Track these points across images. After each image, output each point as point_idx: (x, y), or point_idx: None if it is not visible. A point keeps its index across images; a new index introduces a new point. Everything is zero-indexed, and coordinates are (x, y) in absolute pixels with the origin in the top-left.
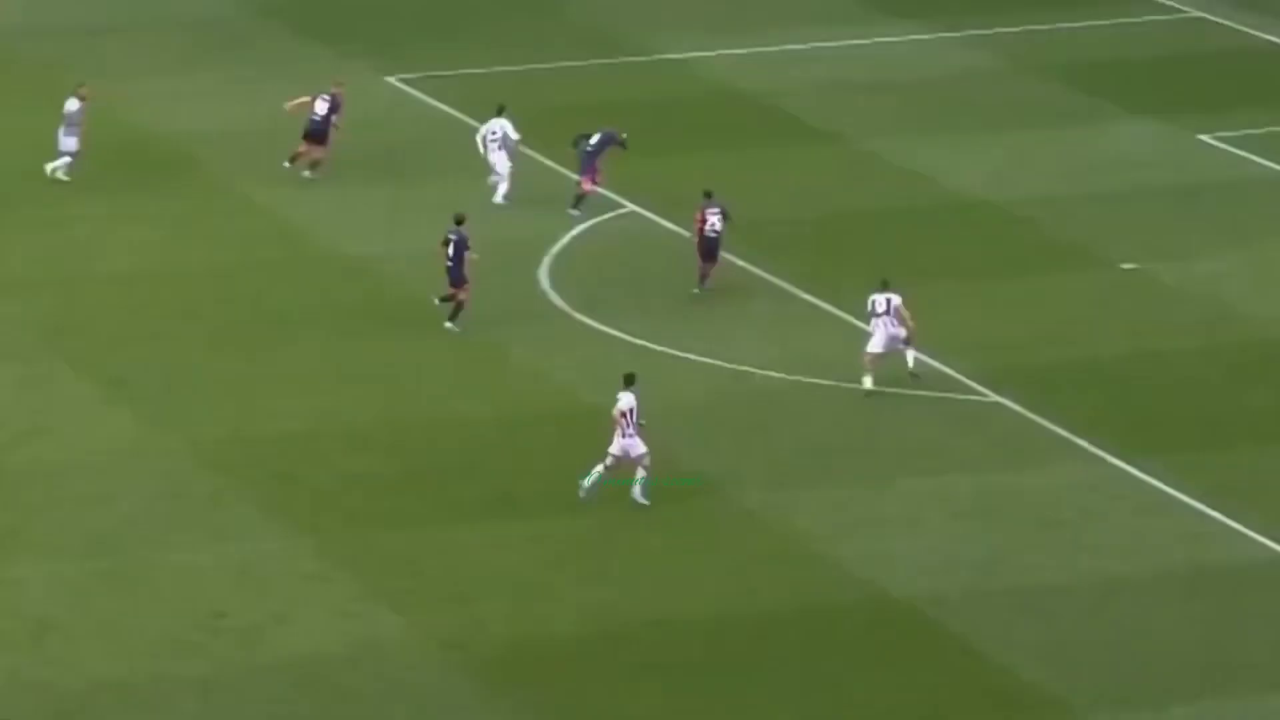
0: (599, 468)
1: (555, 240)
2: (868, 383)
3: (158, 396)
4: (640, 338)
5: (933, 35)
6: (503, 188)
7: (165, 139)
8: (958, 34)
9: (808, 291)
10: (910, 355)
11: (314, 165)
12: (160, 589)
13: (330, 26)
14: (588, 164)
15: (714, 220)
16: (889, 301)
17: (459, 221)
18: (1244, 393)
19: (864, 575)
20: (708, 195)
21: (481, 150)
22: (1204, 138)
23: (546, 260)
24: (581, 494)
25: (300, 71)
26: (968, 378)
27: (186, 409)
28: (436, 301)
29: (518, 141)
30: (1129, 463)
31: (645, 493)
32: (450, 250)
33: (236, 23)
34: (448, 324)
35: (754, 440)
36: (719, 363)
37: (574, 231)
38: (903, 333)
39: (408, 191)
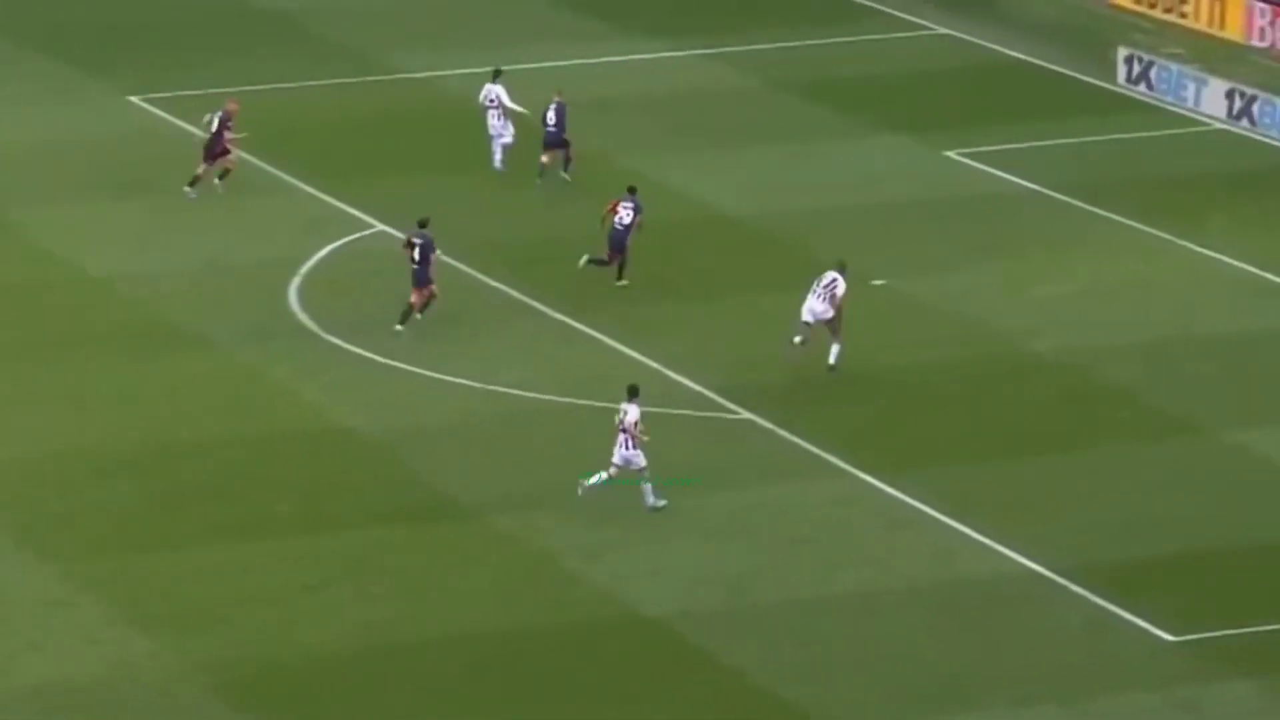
0: (603, 475)
1: (304, 260)
2: (797, 339)
3: None
4: (391, 358)
5: (683, 53)
6: (501, 148)
7: None
8: (708, 51)
9: (560, 310)
10: (834, 349)
11: (224, 174)
12: None
13: (72, 46)
14: (553, 141)
15: (623, 213)
16: (833, 280)
17: (423, 225)
18: (993, 407)
19: (618, 594)
20: (630, 191)
21: (482, 116)
22: (951, 154)
23: (296, 280)
24: (580, 491)
25: (42, 92)
26: (719, 395)
27: None
28: (398, 328)
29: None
30: (880, 478)
31: (658, 494)
32: (416, 254)
33: None
34: (397, 327)
35: (509, 461)
36: (471, 383)
37: (323, 252)
38: (828, 311)
39: (157, 211)
